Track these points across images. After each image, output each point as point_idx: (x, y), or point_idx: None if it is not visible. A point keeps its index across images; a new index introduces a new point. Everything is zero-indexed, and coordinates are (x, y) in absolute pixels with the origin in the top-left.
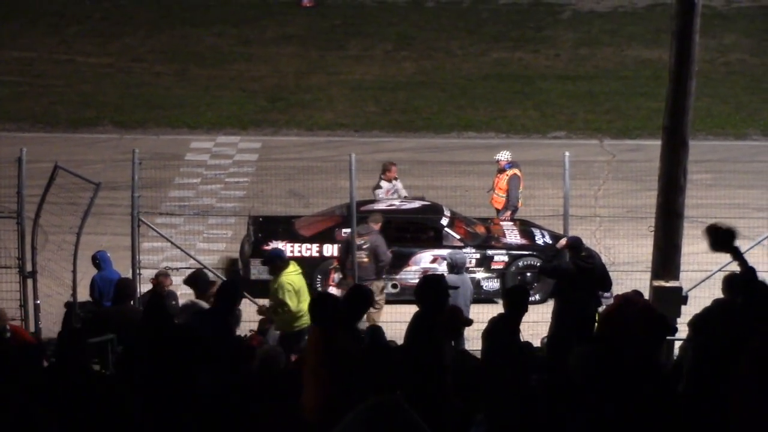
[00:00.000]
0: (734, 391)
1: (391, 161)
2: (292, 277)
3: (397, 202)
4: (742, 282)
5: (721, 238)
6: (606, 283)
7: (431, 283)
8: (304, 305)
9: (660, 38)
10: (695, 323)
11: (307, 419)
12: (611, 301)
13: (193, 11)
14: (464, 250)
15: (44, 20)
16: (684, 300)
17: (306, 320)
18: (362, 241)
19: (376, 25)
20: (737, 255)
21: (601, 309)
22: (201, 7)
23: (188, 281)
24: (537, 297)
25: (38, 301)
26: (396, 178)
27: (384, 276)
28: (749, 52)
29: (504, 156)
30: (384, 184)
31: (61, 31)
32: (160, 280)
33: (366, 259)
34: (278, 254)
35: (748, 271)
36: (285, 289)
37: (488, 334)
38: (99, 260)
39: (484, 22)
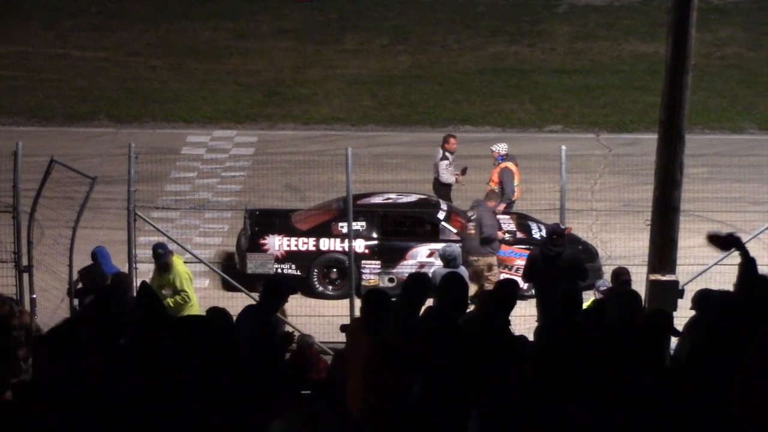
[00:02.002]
0: (737, 387)
1: (451, 133)
2: (184, 266)
3: (393, 196)
4: (742, 273)
5: (725, 239)
6: (578, 273)
7: (452, 280)
8: (194, 296)
9: (656, 32)
10: (699, 300)
11: (354, 415)
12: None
13: (189, 5)
14: (461, 244)
15: (40, 14)
16: (680, 294)
17: (194, 309)
18: (472, 214)
19: (372, 19)
20: (740, 246)
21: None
22: (197, 1)
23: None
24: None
25: (34, 296)
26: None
27: (489, 250)
28: (745, 46)
29: (497, 148)
30: (448, 155)
31: (57, 25)
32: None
33: (473, 231)
34: (165, 246)
35: (749, 263)
36: (183, 277)
37: (474, 330)
38: (97, 255)
39: (481, 16)
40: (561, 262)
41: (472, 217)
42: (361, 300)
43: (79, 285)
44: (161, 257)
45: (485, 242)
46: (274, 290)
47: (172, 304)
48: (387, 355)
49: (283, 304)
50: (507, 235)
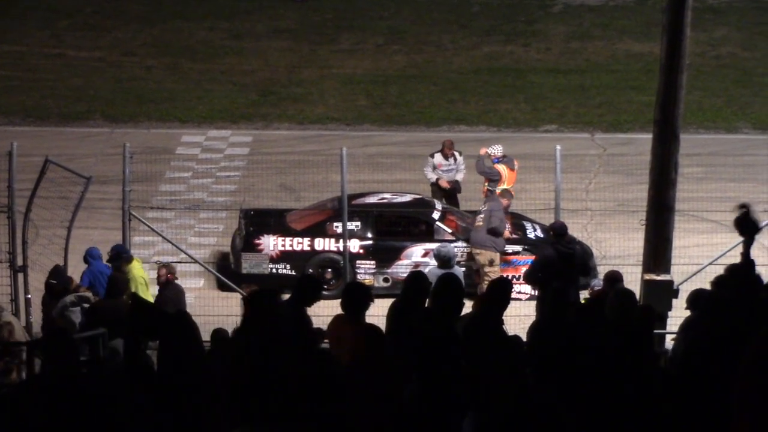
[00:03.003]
0: (736, 388)
1: (448, 140)
2: (142, 271)
3: (388, 196)
4: (740, 273)
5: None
6: (586, 269)
7: (448, 280)
8: (151, 299)
9: (651, 32)
10: (693, 300)
11: None
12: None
13: (184, 5)
14: (456, 244)
15: (35, 14)
16: (675, 293)
17: None
18: (484, 207)
19: (367, 18)
20: (748, 245)
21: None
22: (192, 1)
23: (51, 277)
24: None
25: (29, 296)
26: (452, 155)
27: (493, 246)
28: (740, 46)
29: (493, 150)
30: (437, 156)
31: (52, 24)
32: (160, 273)
33: (480, 223)
34: (124, 249)
35: (748, 263)
36: (138, 282)
37: (467, 330)
38: (86, 256)
39: (476, 15)
40: (576, 259)
41: (483, 210)
42: (342, 293)
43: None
44: (116, 259)
45: (492, 233)
46: (309, 285)
47: None
48: (371, 345)
49: (316, 301)
50: (514, 237)
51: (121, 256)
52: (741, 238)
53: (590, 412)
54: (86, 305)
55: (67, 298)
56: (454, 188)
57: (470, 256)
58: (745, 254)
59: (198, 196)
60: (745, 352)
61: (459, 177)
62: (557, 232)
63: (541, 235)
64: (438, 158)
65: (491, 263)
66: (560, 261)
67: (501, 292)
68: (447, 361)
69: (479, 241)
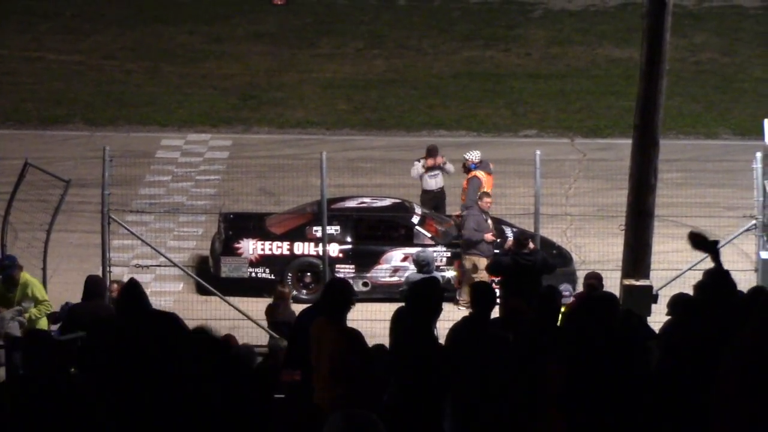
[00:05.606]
0: (715, 392)
1: (434, 145)
2: (33, 278)
3: (368, 200)
4: (712, 282)
5: (706, 244)
6: (548, 269)
7: (425, 285)
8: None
9: (631, 37)
10: (674, 305)
11: (323, 408)
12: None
13: (164, 8)
14: (435, 249)
15: (15, 17)
16: (654, 298)
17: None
18: (464, 213)
19: (347, 23)
20: (715, 256)
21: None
22: (172, 5)
23: None
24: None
25: None
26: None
27: (478, 252)
28: (720, 52)
29: (470, 156)
30: (422, 160)
31: (32, 28)
32: (111, 287)
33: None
34: (14, 258)
35: (721, 273)
36: (38, 287)
37: (455, 332)
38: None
39: (456, 20)
40: (536, 266)
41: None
42: (324, 290)
43: None
44: (7, 269)
45: (466, 246)
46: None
47: (37, 315)
48: (352, 343)
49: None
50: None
51: (14, 263)
52: (720, 244)
53: (579, 413)
54: (21, 319)
55: (6, 313)
56: (438, 200)
57: (450, 261)
58: (717, 264)
59: (177, 199)
60: (723, 356)
61: (450, 169)
62: (517, 242)
63: None
64: (423, 162)
65: (476, 269)
66: (516, 269)
67: (484, 295)
68: (424, 365)
69: (465, 246)
